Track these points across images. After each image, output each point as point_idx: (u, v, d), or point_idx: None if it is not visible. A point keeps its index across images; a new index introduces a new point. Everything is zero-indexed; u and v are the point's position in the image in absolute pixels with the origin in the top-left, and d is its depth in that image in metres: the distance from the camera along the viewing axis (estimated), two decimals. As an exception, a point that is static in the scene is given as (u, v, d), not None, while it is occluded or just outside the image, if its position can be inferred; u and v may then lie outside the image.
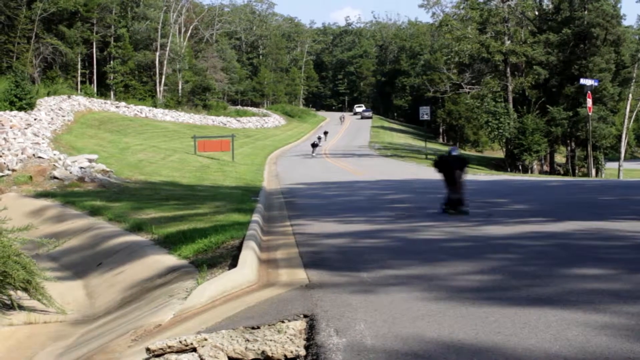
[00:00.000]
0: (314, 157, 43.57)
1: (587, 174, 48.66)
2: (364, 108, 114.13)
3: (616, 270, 6.20)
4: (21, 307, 8.45)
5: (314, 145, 46.74)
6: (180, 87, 78.11)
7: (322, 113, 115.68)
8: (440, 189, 20.91)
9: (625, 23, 59.37)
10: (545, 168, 60.21)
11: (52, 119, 40.08)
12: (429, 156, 53.61)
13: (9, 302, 8.41)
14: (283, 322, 4.80)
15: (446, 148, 78.95)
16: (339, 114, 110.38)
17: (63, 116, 43.61)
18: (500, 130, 53.42)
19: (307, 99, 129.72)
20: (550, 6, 58.61)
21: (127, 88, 72.53)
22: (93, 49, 69.07)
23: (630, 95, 55.84)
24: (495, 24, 56.43)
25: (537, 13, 59.92)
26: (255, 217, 11.65)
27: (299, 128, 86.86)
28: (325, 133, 44.48)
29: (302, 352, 4.20)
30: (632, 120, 62.19)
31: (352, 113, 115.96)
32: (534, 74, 54.37)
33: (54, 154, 25.34)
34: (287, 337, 4.45)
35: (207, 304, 6.05)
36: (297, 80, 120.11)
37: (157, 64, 73.89)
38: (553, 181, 27.72)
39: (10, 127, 29.73)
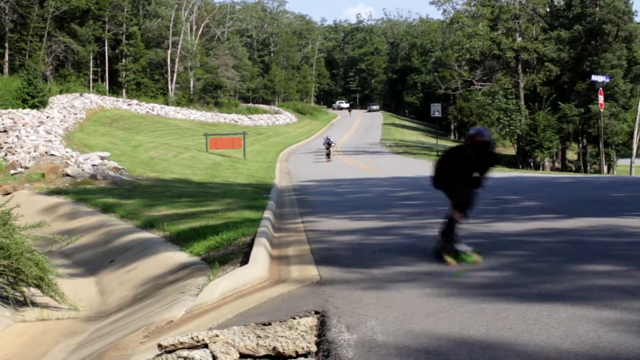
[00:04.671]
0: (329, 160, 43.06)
1: (599, 171, 48.40)
2: (346, 104, 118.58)
3: (627, 266, 6.18)
4: (34, 304, 8.50)
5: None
6: (191, 84, 78.32)
7: (333, 110, 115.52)
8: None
9: (637, 19, 58.92)
10: (557, 165, 59.94)
11: (64, 116, 40.29)
12: (440, 153, 53.53)
13: (22, 299, 8.47)
14: (294, 318, 4.82)
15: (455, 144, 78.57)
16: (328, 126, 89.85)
17: (75, 114, 43.84)
18: (512, 127, 53.22)
19: (318, 96, 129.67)
20: (562, 3, 58.28)
21: (139, 86, 72.86)
22: (105, 47, 69.42)
23: (643, 92, 55.42)
24: (507, 20, 56.22)
25: (548, 10, 59.62)
26: (267, 214, 11.66)
27: (310, 125, 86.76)
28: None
29: (313, 349, 4.21)
30: (644, 117, 61.71)
31: (335, 108, 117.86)
32: (546, 71, 54.12)
33: (67, 152, 25.47)
34: (299, 334, 4.47)
35: (219, 300, 6.07)
36: (309, 78, 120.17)
37: (168, 62, 74.18)
38: (564, 178, 27.60)
39: (23, 125, 29.91)
